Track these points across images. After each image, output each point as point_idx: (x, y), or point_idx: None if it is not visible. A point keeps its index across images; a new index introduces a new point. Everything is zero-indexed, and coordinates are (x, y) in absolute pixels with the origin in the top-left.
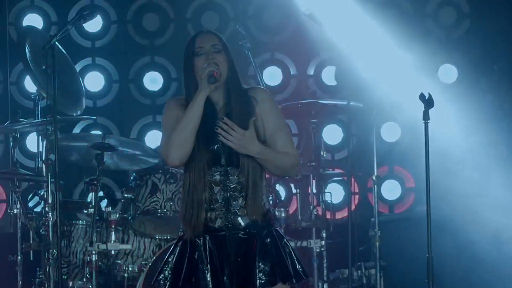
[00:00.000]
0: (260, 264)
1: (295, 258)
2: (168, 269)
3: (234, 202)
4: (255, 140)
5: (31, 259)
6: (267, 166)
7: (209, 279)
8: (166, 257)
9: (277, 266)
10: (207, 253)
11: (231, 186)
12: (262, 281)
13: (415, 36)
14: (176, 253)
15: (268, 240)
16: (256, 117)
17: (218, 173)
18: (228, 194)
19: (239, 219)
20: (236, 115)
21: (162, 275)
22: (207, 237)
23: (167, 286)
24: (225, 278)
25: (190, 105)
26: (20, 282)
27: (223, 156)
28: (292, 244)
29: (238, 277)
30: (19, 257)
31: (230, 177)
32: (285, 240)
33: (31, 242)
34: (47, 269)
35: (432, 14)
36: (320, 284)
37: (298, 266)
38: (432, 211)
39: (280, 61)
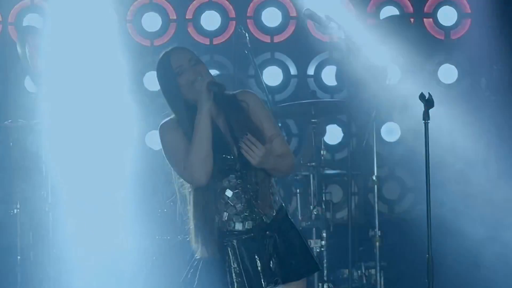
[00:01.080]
0: (289, 258)
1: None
2: None
3: (255, 202)
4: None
5: (31, 259)
6: (269, 170)
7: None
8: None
9: (303, 259)
10: (239, 258)
11: (249, 187)
12: (293, 275)
13: (415, 36)
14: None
15: (291, 233)
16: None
17: (234, 177)
18: (249, 196)
19: (264, 217)
20: (233, 122)
21: None
22: (235, 242)
23: None
24: (262, 277)
25: (198, 121)
26: (20, 282)
27: (238, 161)
28: None
29: (276, 275)
30: (19, 257)
31: (247, 179)
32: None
33: (31, 242)
34: (47, 269)
35: (432, 14)
36: (320, 284)
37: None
38: (432, 211)
39: (280, 61)
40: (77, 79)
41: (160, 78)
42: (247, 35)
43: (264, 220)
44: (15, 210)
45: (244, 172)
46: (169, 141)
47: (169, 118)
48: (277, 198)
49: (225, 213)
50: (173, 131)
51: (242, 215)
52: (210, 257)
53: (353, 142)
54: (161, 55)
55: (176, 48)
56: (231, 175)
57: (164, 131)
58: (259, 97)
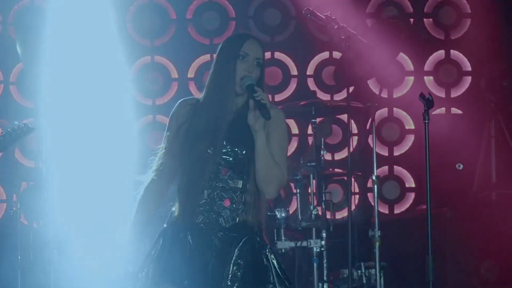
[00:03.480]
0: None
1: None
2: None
3: (219, 202)
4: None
5: (31, 259)
6: (260, 167)
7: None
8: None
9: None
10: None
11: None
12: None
13: (414, 36)
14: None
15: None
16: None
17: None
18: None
19: (220, 219)
20: (245, 121)
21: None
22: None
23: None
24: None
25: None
26: (20, 282)
27: (230, 158)
28: (292, 244)
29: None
30: (19, 257)
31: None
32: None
33: (31, 242)
34: (47, 269)
35: (432, 14)
36: (320, 284)
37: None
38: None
39: (280, 61)
40: (77, 79)
41: (222, 51)
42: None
43: (220, 222)
44: (15, 210)
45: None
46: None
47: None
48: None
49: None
50: (182, 108)
51: (200, 209)
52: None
53: (353, 142)
54: (237, 33)
55: (255, 38)
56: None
57: (177, 105)
58: (283, 115)
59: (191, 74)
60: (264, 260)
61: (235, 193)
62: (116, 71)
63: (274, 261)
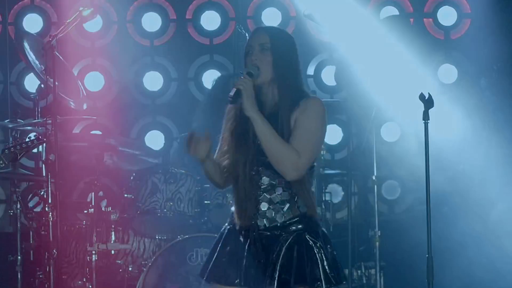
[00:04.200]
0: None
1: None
2: None
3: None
4: (253, 103)
5: (31, 259)
6: (266, 150)
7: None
8: None
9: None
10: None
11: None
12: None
13: (414, 36)
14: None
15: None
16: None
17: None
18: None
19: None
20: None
21: None
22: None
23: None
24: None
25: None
26: (20, 282)
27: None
28: None
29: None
30: (19, 257)
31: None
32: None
33: (31, 242)
34: (47, 269)
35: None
36: None
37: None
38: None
39: None
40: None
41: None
42: (247, 35)
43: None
44: (15, 210)
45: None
46: None
47: None
48: (297, 207)
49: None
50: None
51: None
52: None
53: (353, 142)
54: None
55: (258, 28)
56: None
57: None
58: (320, 104)
59: (191, 74)
60: (314, 255)
61: (276, 191)
62: (117, 71)
63: (323, 256)
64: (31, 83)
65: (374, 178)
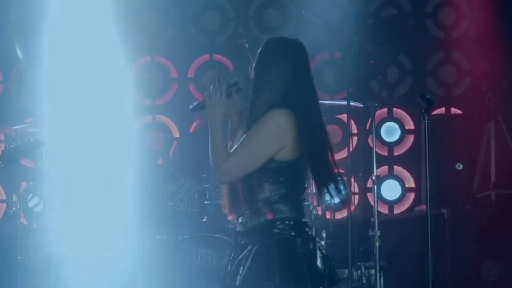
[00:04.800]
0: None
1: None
2: None
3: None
4: (220, 106)
5: (31, 259)
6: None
7: None
8: None
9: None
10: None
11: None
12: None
13: (414, 36)
14: None
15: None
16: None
17: None
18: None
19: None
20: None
21: None
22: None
23: None
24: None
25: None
26: (20, 282)
27: None
28: None
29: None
30: (19, 257)
31: None
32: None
33: (31, 242)
34: (47, 269)
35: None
36: None
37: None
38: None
39: None
40: (77, 79)
41: (300, 65)
42: (243, 32)
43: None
44: (15, 210)
45: None
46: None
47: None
48: (263, 211)
49: None
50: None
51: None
52: None
53: (353, 142)
54: (297, 41)
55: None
56: None
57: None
58: (276, 116)
59: (191, 74)
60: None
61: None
62: (116, 71)
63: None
64: (31, 83)
65: (374, 178)
